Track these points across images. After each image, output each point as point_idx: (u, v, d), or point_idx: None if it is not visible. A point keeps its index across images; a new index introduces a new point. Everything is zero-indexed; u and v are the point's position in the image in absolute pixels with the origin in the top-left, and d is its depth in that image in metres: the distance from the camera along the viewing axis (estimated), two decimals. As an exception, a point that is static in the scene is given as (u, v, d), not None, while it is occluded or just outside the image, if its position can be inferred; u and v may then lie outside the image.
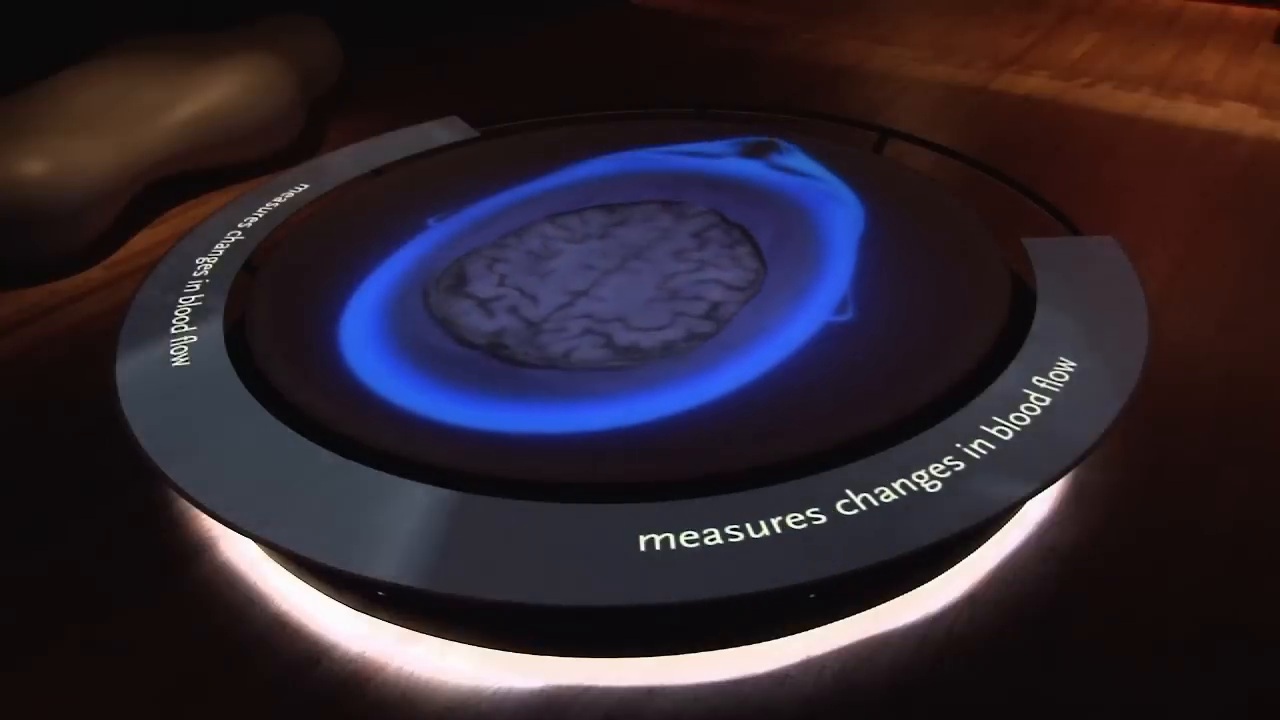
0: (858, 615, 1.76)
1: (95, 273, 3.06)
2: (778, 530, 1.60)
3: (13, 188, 2.86)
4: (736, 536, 1.59)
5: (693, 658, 1.70)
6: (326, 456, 1.82)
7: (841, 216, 2.69)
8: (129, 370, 2.09)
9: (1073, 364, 1.97)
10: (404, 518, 1.66)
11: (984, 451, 1.75)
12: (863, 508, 1.64)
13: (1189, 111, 4.01)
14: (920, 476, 1.70)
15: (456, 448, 1.87)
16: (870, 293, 2.34)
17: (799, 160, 3.02)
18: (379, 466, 1.78)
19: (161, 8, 4.16)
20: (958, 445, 1.77)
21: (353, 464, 1.79)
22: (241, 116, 3.47)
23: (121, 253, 3.18)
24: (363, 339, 2.27)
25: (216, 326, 2.24)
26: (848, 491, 1.67)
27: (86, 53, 3.48)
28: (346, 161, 3.11)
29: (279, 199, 2.83)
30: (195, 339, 2.19)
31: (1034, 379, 1.93)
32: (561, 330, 2.26)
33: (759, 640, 1.72)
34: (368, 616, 1.80)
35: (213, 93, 3.42)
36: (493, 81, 4.65)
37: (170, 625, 1.83)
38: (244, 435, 1.89)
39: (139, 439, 1.88)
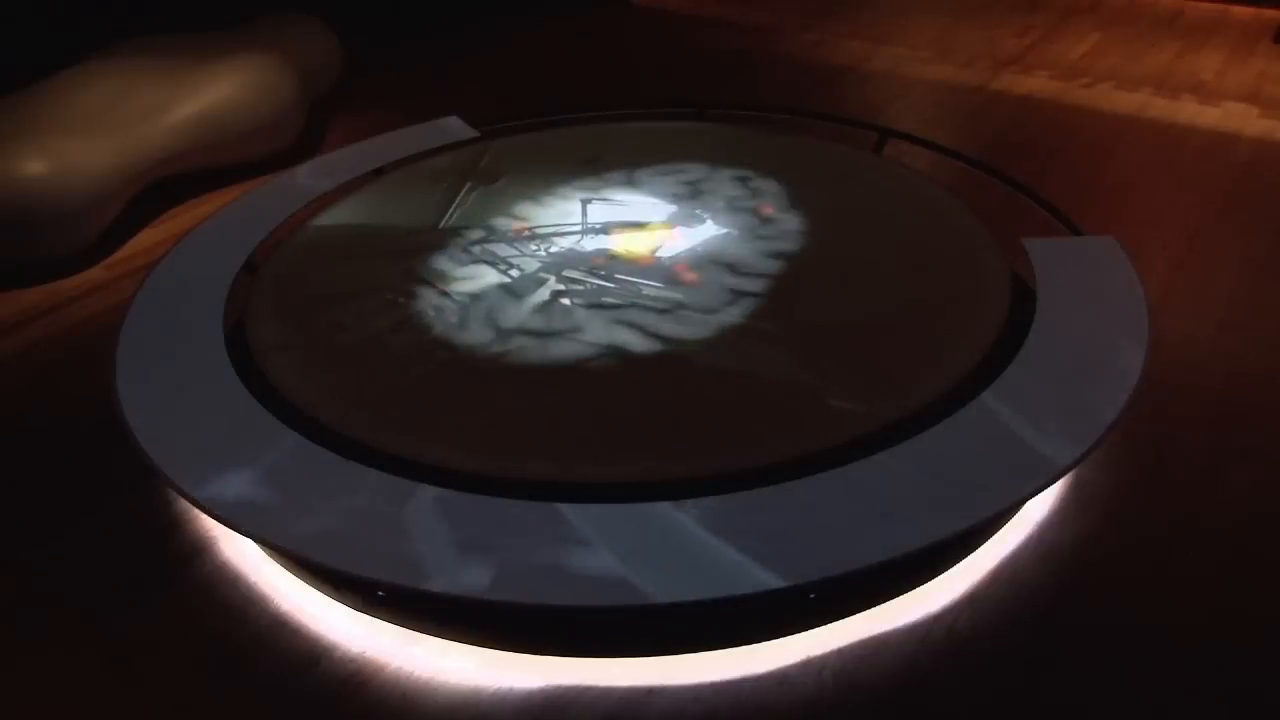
0: (858, 615, 1.76)
1: (95, 273, 3.06)
2: (778, 530, 1.60)
3: (13, 188, 2.86)
4: (737, 536, 1.59)
5: (693, 658, 1.70)
6: (328, 456, 1.82)
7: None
8: (129, 370, 2.09)
9: (1073, 364, 1.97)
10: (405, 517, 1.66)
11: (983, 451, 1.75)
12: (863, 508, 1.64)
13: (1189, 111, 4.00)
14: (920, 476, 1.70)
15: (458, 448, 1.87)
16: (870, 292, 2.34)
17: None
18: (381, 467, 1.78)
19: (161, 8, 4.16)
20: (957, 445, 1.77)
21: (353, 464, 1.79)
22: (241, 116, 3.47)
23: (121, 253, 3.18)
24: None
25: (217, 326, 2.24)
26: (847, 491, 1.67)
27: (86, 53, 3.48)
28: (347, 161, 3.11)
29: (280, 199, 2.83)
30: (195, 339, 2.19)
31: (1033, 379, 1.93)
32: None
33: (759, 640, 1.72)
34: (368, 616, 1.80)
35: (213, 93, 3.41)
36: (493, 81, 4.65)
37: (170, 625, 1.83)
38: (244, 435, 1.89)
39: (139, 439, 1.88)
